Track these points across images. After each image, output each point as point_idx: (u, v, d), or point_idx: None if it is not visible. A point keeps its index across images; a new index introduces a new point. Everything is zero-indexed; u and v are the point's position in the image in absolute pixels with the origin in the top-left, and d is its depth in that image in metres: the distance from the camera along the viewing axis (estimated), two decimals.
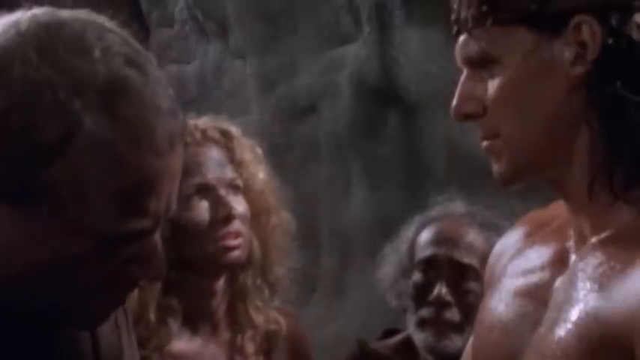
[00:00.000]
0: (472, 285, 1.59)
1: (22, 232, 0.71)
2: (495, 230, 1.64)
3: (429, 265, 1.62)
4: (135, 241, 0.73)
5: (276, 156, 3.40)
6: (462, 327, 1.58)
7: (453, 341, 1.58)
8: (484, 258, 1.60)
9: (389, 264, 1.72)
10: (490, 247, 1.60)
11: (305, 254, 3.77)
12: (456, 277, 1.60)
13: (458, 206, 1.71)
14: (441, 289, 1.59)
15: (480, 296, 1.57)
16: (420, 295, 1.62)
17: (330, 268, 3.31)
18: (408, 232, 1.70)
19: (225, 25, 3.73)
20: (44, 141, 0.67)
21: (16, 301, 0.74)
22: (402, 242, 1.71)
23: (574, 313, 0.78)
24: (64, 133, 0.67)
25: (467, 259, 1.60)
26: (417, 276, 1.63)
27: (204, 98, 3.73)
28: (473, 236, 1.63)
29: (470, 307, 1.58)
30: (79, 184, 0.69)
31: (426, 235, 1.66)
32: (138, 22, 4.05)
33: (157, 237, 0.75)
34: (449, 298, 1.59)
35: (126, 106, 0.69)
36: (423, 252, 1.64)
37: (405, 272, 1.67)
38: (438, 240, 1.64)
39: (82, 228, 0.70)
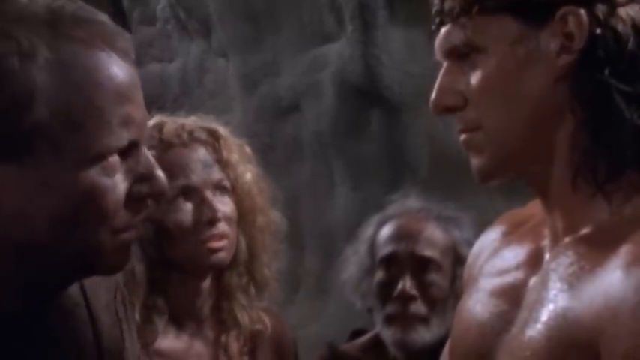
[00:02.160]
0: (434, 277, 1.62)
1: (32, 188, 0.74)
2: (453, 223, 1.67)
3: (391, 261, 1.64)
4: (131, 155, 0.78)
5: (259, 155, 3.40)
6: (428, 319, 1.60)
7: (420, 334, 1.60)
8: (444, 250, 1.64)
9: (351, 266, 1.74)
10: (449, 238, 1.65)
11: (288, 254, 3.77)
12: (419, 271, 1.62)
13: (413, 202, 1.73)
14: (404, 284, 1.61)
15: (443, 288, 1.62)
16: (385, 292, 1.63)
17: (313, 268, 3.31)
18: (366, 232, 1.72)
19: (207, 23, 3.72)
20: (14, 82, 0.72)
21: (48, 264, 0.77)
22: (361, 243, 1.72)
23: (544, 313, 0.78)
24: (24, 66, 0.72)
25: (428, 252, 1.63)
26: (379, 274, 1.65)
27: (186, 97, 3.72)
28: (431, 230, 1.65)
29: (434, 299, 1.61)
30: (64, 109, 0.73)
31: (385, 233, 1.68)
32: (119, 19, 4.02)
33: (147, 152, 0.80)
34: (413, 291, 1.60)
35: (76, 28, 0.75)
36: (384, 249, 1.66)
37: (368, 272, 1.69)
38: (398, 236, 1.66)
39: (82, 156, 0.74)
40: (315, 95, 3.28)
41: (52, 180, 0.74)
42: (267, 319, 1.51)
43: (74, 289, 0.87)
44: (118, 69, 0.77)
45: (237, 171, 1.46)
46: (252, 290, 1.49)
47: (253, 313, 1.49)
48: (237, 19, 3.51)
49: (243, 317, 1.47)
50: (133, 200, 0.79)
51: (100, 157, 0.76)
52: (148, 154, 0.80)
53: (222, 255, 1.42)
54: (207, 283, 1.46)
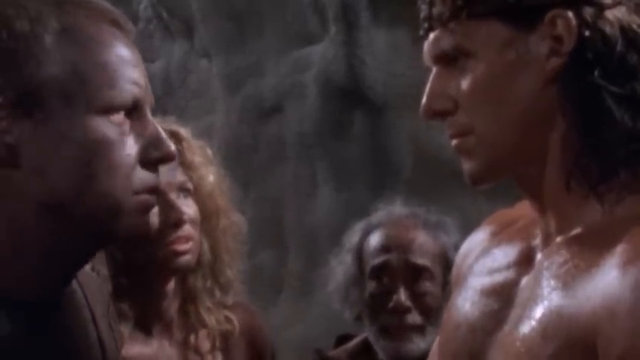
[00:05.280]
0: (428, 286, 1.60)
1: (46, 142, 0.80)
2: (440, 228, 1.65)
3: (383, 271, 1.61)
4: (135, 114, 0.83)
5: (243, 156, 3.40)
6: (424, 329, 1.58)
7: (417, 344, 1.58)
8: (435, 257, 1.61)
9: (337, 276, 1.70)
10: (439, 245, 1.62)
11: (271, 255, 3.76)
12: (412, 280, 1.60)
13: (399, 209, 1.70)
14: (399, 296, 1.58)
15: (437, 296, 1.59)
16: (377, 303, 1.61)
17: (296, 269, 3.30)
18: (351, 241, 1.69)
19: (190, 23, 3.71)
20: (25, 43, 0.80)
21: (69, 224, 0.81)
22: (347, 252, 1.69)
23: (538, 311, 0.78)
24: (34, 29, 0.80)
25: (421, 261, 1.60)
26: (371, 285, 1.62)
27: (169, 98, 3.71)
28: (422, 238, 1.63)
29: (429, 309, 1.59)
30: (71, 66, 0.80)
31: (374, 243, 1.64)
32: None
33: (153, 119, 0.85)
34: (408, 303, 1.58)
35: (80, 8, 0.83)
36: (375, 259, 1.62)
37: (355, 281, 1.66)
38: (388, 246, 1.62)
39: (90, 108, 0.80)
40: (299, 96, 3.27)
41: (64, 133, 0.80)
42: (235, 319, 1.51)
43: (79, 294, 0.91)
44: (120, 40, 0.84)
45: (199, 173, 1.46)
46: (217, 292, 1.49)
47: (220, 315, 1.49)
48: (220, 20, 3.50)
49: (210, 319, 1.47)
50: (145, 164, 0.84)
51: (107, 110, 0.81)
52: (154, 121, 0.85)
53: (187, 258, 1.41)
54: (171, 286, 1.46)
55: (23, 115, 0.80)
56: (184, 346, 1.47)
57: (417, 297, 1.59)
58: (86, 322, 0.90)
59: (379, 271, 1.61)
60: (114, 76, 0.82)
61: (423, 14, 0.87)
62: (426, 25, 0.87)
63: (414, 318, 1.58)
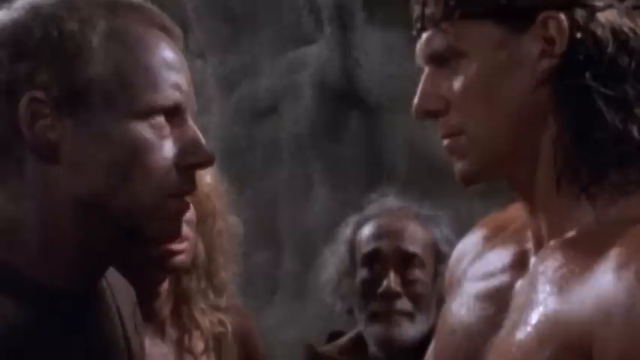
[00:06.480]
0: (418, 273, 1.61)
1: (87, 139, 0.82)
2: (431, 220, 1.67)
3: (374, 258, 1.63)
4: (176, 118, 0.85)
5: (238, 157, 3.40)
6: (413, 316, 1.60)
7: (405, 329, 1.59)
8: (426, 247, 1.63)
9: (330, 267, 1.72)
10: (429, 236, 1.65)
11: (266, 256, 3.76)
12: (402, 267, 1.61)
13: (392, 202, 1.73)
14: (389, 281, 1.59)
15: (426, 284, 1.61)
16: (368, 290, 1.62)
17: (291, 270, 3.30)
18: (344, 233, 1.71)
19: (185, 24, 3.70)
20: (73, 42, 0.82)
21: (101, 220, 0.83)
22: (340, 244, 1.71)
23: (534, 316, 0.78)
24: (83, 30, 0.83)
25: (412, 248, 1.62)
26: (362, 272, 1.64)
27: None
28: (413, 227, 1.65)
29: (418, 296, 1.60)
30: (116, 68, 0.83)
31: (366, 232, 1.67)
32: None
33: (194, 124, 0.87)
34: (398, 288, 1.59)
35: (131, 12, 0.85)
36: (366, 247, 1.64)
37: (347, 273, 1.68)
38: (380, 234, 1.65)
39: (131, 110, 0.83)
40: (294, 97, 3.28)
41: (103, 132, 0.82)
42: (228, 321, 1.51)
43: (108, 293, 0.93)
44: (167, 44, 0.86)
45: (197, 174, 1.47)
46: (211, 294, 1.50)
47: (213, 317, 1.50)
48: (215, 20, 3.50)
49: (204, 320, 1.48)
50: (181, 169, 0.85)
51: (148, 113, 0.83)
52: (194, 126, 0.86)
53: (182, 257, 1.42)
54: (165, 286, 1.46)
55: (66, 112, 0.82)
56: (179, 346, 1.48)
57: (407, 283, 1.60)
58: (113, 318, 0.93)
59: (370, 259, 1.63)
60: (156, 79, 0.83)
61: (415, 14, 0.88)
62: (418, 25, 0.87)
63: (404, 304, 1.59)
